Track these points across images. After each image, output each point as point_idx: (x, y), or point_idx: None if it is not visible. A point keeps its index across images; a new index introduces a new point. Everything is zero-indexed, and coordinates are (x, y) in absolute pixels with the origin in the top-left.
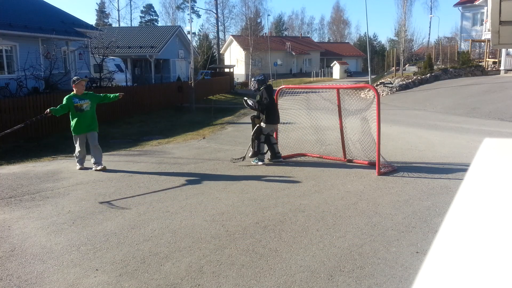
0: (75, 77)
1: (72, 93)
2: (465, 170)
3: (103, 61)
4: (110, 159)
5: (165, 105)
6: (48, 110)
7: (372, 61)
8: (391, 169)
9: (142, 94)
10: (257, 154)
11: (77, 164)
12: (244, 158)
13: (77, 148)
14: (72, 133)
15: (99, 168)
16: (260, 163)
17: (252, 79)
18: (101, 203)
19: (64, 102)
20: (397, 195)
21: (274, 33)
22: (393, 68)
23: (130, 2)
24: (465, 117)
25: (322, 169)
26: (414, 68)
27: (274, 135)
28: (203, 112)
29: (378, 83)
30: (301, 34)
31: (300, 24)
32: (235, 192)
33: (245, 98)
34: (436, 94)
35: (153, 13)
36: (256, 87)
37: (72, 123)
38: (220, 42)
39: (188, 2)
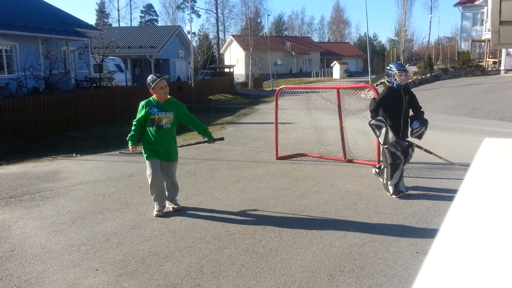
0: (152, 77)
1: (152, 97)
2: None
3: (103, 61)
4: (110, 159)
5: None
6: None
7: (372, 61)
8: None
9: (142, 94)
10: None
11: (157, 207)
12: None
13: (149, 180)
14: (144, 157)
15: (171, 207)
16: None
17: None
18: (101, 203)
19: (141, 112)
20: None
21: (274, 33)
22: None
23: (130, 2)
24: (465, 117)
25: (322, 169)
26: (414, 68)
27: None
28: (203, 112)
29: (378, 83)
30: (301, 34)
31: (300, 24)
32: (235, 192)
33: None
34: (436, 94)
35: (153, 13)
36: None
37: (143, 142)
38: (220, 42)
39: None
